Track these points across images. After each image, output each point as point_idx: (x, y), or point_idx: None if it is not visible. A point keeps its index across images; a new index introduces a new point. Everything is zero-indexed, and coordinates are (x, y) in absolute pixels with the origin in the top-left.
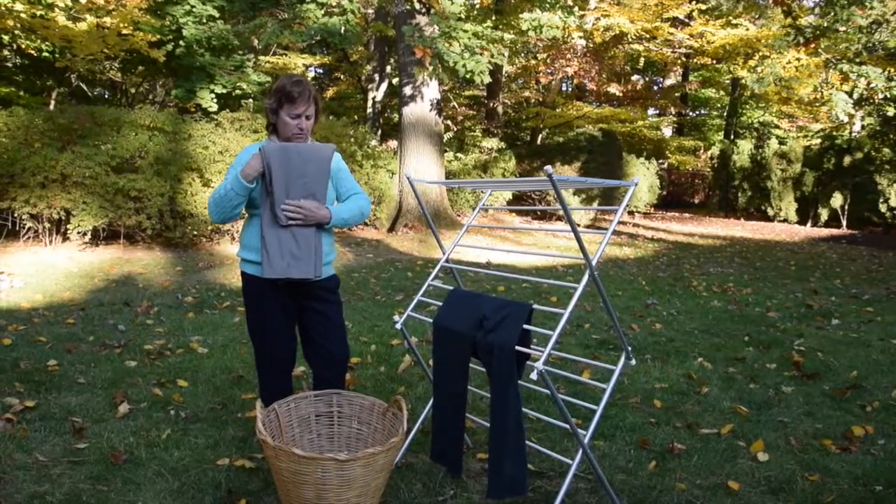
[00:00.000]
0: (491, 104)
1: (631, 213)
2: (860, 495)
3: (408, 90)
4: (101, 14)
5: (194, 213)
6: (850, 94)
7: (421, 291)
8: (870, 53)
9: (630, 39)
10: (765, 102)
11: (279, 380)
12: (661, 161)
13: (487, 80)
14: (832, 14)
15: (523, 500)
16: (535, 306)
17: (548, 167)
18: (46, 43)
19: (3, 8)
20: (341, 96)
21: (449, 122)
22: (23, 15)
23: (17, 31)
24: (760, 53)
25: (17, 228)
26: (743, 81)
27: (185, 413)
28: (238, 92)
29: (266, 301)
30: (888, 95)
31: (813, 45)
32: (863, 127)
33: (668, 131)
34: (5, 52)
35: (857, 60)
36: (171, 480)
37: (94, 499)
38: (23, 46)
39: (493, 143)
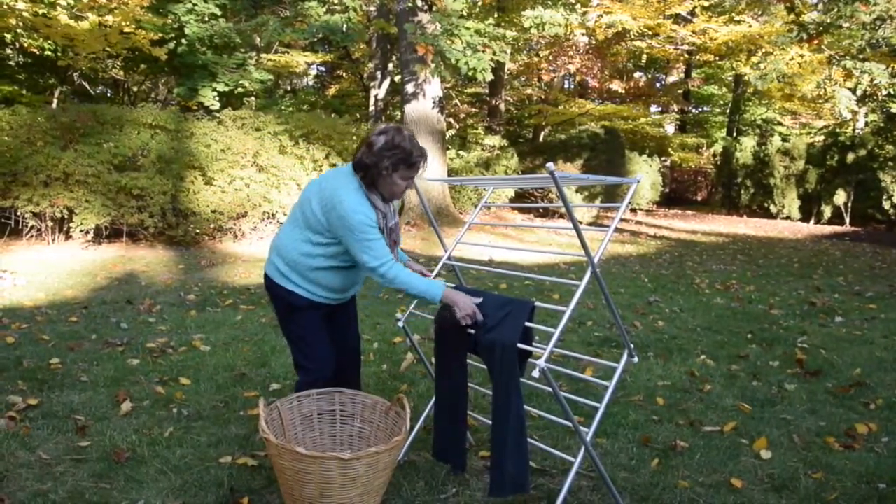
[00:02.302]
0: (493, 102)
1: (633, 210)
2: (863, 493)
3: (410, 88)
4: (104, 12)
5: (197, 211)
6: (853, 90)
7: None
8: (873, 50)
9: (632, 36)
10: (768, 99)
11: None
12: (663, 158)
13: (489, 77)
14: (836, 10)
15: (525, 498)
16: (537, 304)
17: (550, 164)
18: (49, 41)
19: (5, 6)
20: (343, 94)
21: (451, 120)
22: (25, 13)
23: (19, 30)
24: (763, 50)
25: (20, 227)
26: (746, 78)
27: (187, 411)
28: (240, 90)
29: (315, 318)
30: (892, 92)
31: (816, 42)
32: (866, 124)
33: (670, 128)
34: (8, 51)
35: (861, 57)
36: (173, 478)
37: (97, 497)
38: (25, 45)
39: (495, 140)
